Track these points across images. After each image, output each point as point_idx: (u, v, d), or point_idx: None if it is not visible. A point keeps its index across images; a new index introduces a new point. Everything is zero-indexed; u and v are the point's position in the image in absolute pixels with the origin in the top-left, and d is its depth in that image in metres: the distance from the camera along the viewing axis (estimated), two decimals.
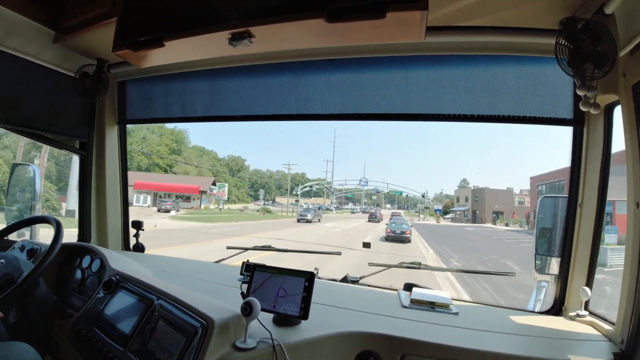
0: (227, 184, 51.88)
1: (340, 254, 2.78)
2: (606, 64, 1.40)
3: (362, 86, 2.05)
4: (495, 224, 49.42)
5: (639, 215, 1.34)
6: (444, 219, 58.19)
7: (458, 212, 61.48)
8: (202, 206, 46.63)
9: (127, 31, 1.56)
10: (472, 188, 61.21)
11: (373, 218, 43.77)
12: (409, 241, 20.82)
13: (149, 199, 42.60)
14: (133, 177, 36.87)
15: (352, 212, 68.49)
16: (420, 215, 59.01)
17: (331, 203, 69.88)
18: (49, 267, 1.71)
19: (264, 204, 61.79)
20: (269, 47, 1.50)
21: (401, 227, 22.44)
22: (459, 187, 74.82)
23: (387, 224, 25.13)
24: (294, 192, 60.63)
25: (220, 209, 45.58)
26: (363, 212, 65.02)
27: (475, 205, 57.00)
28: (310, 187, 65.90)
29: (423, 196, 58.71)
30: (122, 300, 1.58)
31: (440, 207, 66.81)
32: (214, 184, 49.82)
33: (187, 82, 2.43)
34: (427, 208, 58.93)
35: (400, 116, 2.00)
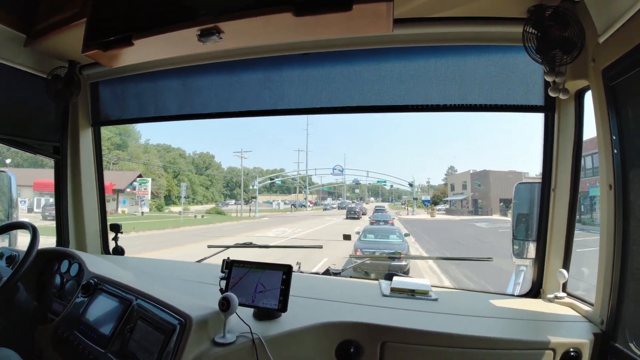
0: (149, 180, 40.17)
1: (322, 247, 2.79)
2: (574, 49, 1.43)
3: (336, 80, 2.05)
4: (506, 215, 36.77)
5: (612, 197, 1.38)
6: (437, 211, 49.30)
7: (454, 202, 52.34)
8: (120, 209, 35.80)
9: (97, 31, 1.55)
10: (471, 172, 50.42)
11: (352, 214, 36.85)
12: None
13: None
14: (34, 174, 29.02)
15: (325, 209, 60.52)
16: (409, 208, 51.98)
17: (305, 199, 65.23)
18: (29, 273, 1.70)
19: (234, 203, 57.28)
20: (240, 42, 1.50)
21: (387, 243, 11.82)
22: (446, 174, 69.17)
23: (359, 233, 12.91)
24: (251, 187, 52.63)
25: (142, 213, 36.43)
26: (340, 208, 58.40)
27: (477, 193, 47.39)
28: (271, 179, 60.19)
29: (411, 185, 51.38)
30: (101, 303, 1.58)
31: (428, 197, 57.26)
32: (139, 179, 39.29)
33: (160, 81, 2.41)
34: (415, 199, 51.98)
35: (374, 108, 2.02)
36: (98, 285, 1.65)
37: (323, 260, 10.59)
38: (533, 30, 1.47)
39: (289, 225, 27.23)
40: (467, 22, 1.69)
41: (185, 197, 44.14)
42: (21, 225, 1.90)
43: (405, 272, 8.97)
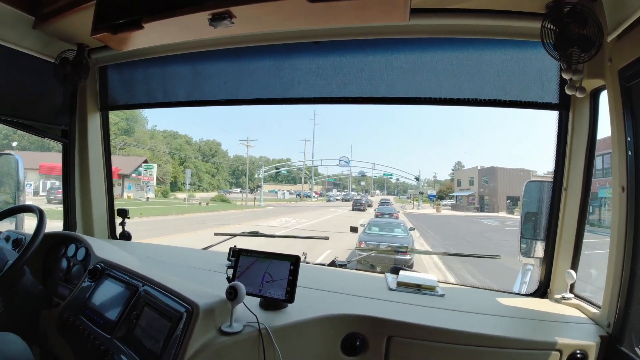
0: (155, 166, 40.38)
1: (328, 239, 2.78)
2: (592, 48, 1.40)
3: (347, 69, 2.02)
4: (513, 213, 37.47)
5: (624, 199, 1.36)
6: (443, 206, 48.68)
7: (460, 198, 51.87)
8: (125, 194, 35.55)
9: (106, 14, 1.52)
10: (479, 168, 49.42)
11: (358, 206, 38.55)
12: None
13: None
14: (40, 157, 29.44)
15: (329, 201, 59.98)
16: (414, 202, 51.19)
17: (310, 189, 65.14)
18: (35, 257, 1.70)
19: (240, 191, 57.18)
20: (251, 28, 1.47)
21: (392, 237, 11.55)
22: (453, 170, 68.85)
23: (364, 225, 12.52)
24: (257, 175, 54.05)
25: (147, 198, 36.55)
26: (344, 200, 58.93)
27: (484, 190, 46.72)
28: (277, 169, 60.42)
29: (417, 179, 50.69)
30: (107, 288, 1.58)
31: (434, 192, 57.87)
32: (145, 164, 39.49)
33: (170, 66, 2.38)
34: (421, 193, 51.22)
35: (385, 99, 1.98)
36: (105, 270, 1.65)
37: (326, 252, 10.18)
38: (551, 26, 1.45)
39: (293, 216, 27.10)
40: (485, 15, 1.65)
41: (190, 184, 44.63)
42: (28, 209, 1.91)
43: (409, 267, 8.65)
